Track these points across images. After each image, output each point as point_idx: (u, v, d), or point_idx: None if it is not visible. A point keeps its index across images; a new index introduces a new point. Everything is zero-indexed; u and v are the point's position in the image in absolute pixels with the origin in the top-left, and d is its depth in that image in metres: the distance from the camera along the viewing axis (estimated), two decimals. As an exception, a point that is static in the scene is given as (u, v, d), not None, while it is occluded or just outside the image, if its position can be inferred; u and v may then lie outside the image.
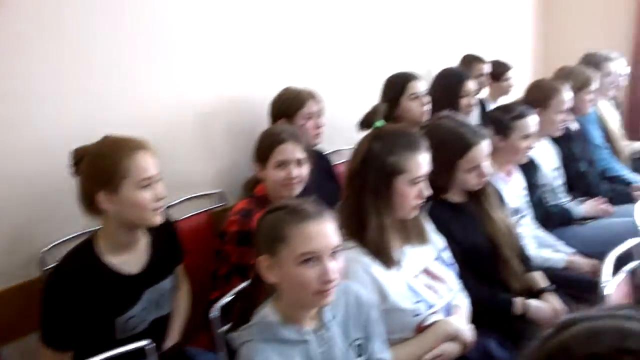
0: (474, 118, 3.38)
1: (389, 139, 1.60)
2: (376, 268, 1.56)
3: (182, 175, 2.26)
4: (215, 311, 1.48)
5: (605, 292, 1.50)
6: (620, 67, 3.56)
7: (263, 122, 2.35)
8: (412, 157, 1.58)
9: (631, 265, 1.59)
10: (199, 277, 2.03)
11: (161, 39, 2.16)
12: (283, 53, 2.63)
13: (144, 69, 2.12)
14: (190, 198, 2.30)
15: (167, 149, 2.16)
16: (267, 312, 1.31)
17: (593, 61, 3.35)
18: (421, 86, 2.65)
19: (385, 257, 1.58)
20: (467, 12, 3.99)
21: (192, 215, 2.29)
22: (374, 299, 1.50)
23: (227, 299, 1.51)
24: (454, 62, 3.56)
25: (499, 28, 4.43)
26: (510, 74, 3.80)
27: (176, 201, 2.23)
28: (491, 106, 3.58)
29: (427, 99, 2.64)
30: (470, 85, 2.88)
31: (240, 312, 1.37)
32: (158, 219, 1.61)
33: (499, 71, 3.75)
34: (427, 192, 1.62)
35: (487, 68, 3.60)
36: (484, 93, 3.76)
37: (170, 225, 1.85)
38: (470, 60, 3.56)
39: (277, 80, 2.48)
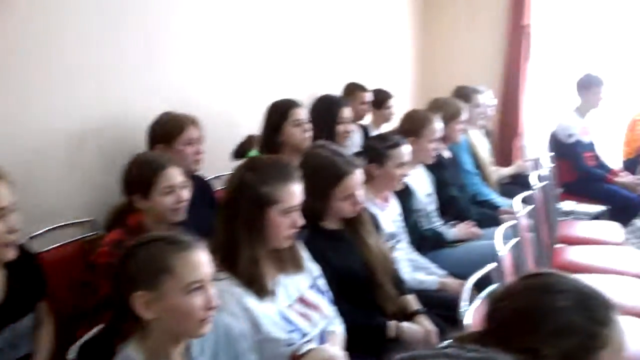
0: (356, 144, 3.50)
1: (261, 169, 1.61)
2: (249, 299, 1.55)
3: (48, 204, 2.12)
4: (73, 352, 1.38)
5: (465, 317, 1.58)
6: (488, 99, 3.86)
7: (138, 147, 2.27)
8: (285, 187, 1.60)
9: (489, 289, 1.70)
10: (68, 312, 1.90)
11: (28, 60, 2.03)
12: (162, 77, 2.57)
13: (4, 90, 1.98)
14: (58, 227, 2.16)
15: (32, 175, 2.04)
16: (130, 352, 1.26)
17: (463, 93, 3.61)
18: (303, 113, 2.69)
19: (259, 288, 1.58)
20: (351, 43, 4.15)
21: (60, 246, 2.15)
22: (245, 330, 1.49)
23: (86, 338, 1.42)
24: (338, 90, 3.67)
25: (382, 59, 4.64)
26: (391, 102, 3.98)
27: (41, 231, 2.08)
28: (374, 133, 3.74)
29: (309, 125, 2.69)
30: (347, 112, 2.97)
31: (101, 354, 1.29)
32: (9, 254, 1.49)
33: (381, 99, 3.92)
34: (301, 221, 1.64)
35: (369, 96, 3.74)
36: (367, 120, 3.91)
37: (30, 257, 1.72)
38: (353, 88, 3.69)
39: (154, 105, 2.41)
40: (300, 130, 2.66)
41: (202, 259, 1.29)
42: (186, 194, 1.97)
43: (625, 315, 2.33)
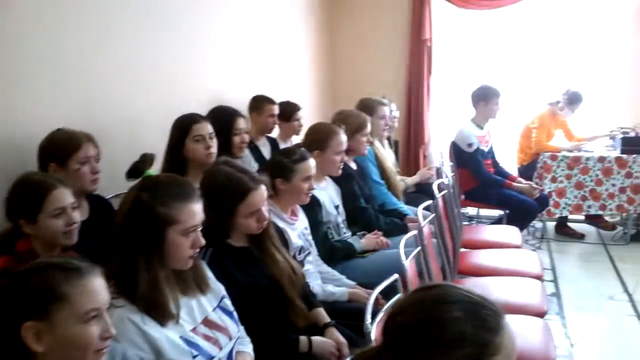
0: (266, 157, 3.48)
1: (158, 188, 1.55)
2: (150, 325, 1.48)
3: None
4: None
5: (371, 328, 1.60)
6: (392, 111, 3.97)
7: (28, 167, 2.12)
8: (184, 206, 1.54)
9: (393, 300, 1.71)
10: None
11: None
12: (55, 90, 2.42)
13: None
14: None
15: None
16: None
17: (367, 105, 3.69)
18: (206, 128, 2.63)
19: (160, 313, 1.50)
20: (258, 56, 4.13)
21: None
22: (145, 358, 1.42)
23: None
24: (244, 103, 3.63)
25: (289, 72, 4.66)
26: (299, 114, 3.99)
27: None
28: (282, 145, 3.73)
29: (213, 141, 2.63)
30: (242, 122, 2.93)
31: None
32: None
33: (289, 112, 3.91)
34: (202, 241, 1.59)
35: (276, 109, 3.72)
36: (275, 133, 3.90)
37: None
38: (261, 101, 3.66)
39: (46, 120, 2.26)
40: (203, 146, 2.59)
41: (98, 286, 1.23)
42: (77, 215, 1.87)
43: (524, 314, 2.47)
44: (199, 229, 1.58)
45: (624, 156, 4.67)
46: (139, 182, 1.59)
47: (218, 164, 2.01)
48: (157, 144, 2.61)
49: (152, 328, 1.48)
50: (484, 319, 1.02)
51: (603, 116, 5.23)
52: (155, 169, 2.18)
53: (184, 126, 2.59)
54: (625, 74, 5.07)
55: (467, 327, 1.00)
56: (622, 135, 4.78)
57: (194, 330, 1.59)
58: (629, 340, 3.30)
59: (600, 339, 3.38)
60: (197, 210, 1.57)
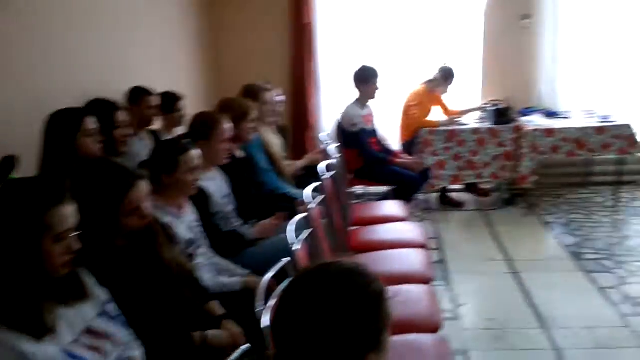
0: (147, 150, 3.34)
1: (23, 193, 1.43)
2: (24, 342, 1.36)
3: None
4: None
5: (262, 316, 1.61)
6: (276, 96, 3.97)
7: None
8: (54, 211, 1.44)
9: (284, 284, 1.73)
10: None
11: None
12: None
13: None
14: None
15: None
16: None
17: (251, 92, 3.66)
18: (94, 122, 2.47)
19: (34, 327, 1.40)
20: (134, 46, 3.94)
21: None
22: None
23: None
24: (119, 95, 3.46)
25: (168, 62, 4.50)
26: (181, 104, 3.87)
27: None
28: (165, 138, 3.60)
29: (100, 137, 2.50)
30: (122, 115, 2.81)
31: None
32: None
33: (170, 102, 3.78)
34: (77, 245, 1.50)
35: (156, 100, 3.58)
36: (157, 125, 3.76)
37: None
38: (138, 93, 3.49)
39: None
40: (94, 141, 2.45)
41: None
42: None
43: (410, 283, 2.60)
44: (74, 233, 1.49)
45: (496, 127, 5.01)
46: (0, 188, 1.46)
47: (93, 162, 1.91)
48: (22, 144, 2.41)
49: (27, 345, 1.37)
50: (369, 276, 1.05)
51: (475, 90, 5.57)
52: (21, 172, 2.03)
53: (73, 121, 2.41)
54: (495, 49, 5.43)
55: (373, 287, 1.03)
56: (494, 108, 5.12)
57: (75, 342, 1.50)
58: (507, 295, 3.59)
59: (483, 297, 3.64)
60: (68, 213, 1.47)
